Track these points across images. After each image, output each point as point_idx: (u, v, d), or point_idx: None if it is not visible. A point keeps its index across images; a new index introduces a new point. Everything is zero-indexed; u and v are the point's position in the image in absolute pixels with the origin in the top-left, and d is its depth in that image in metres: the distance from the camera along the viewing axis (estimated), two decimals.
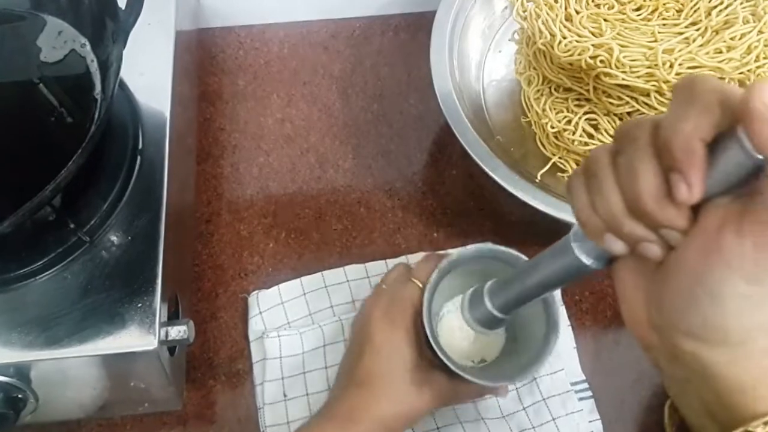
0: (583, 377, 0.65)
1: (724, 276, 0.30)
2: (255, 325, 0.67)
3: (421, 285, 0.54)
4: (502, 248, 0.54)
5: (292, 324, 0.67)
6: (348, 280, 0.68)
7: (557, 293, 0.55)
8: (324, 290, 0.68)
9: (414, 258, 0.70)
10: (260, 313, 0.67)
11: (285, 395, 0.63)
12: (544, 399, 0.63)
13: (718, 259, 0.30)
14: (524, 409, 0.63)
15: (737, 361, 0.31)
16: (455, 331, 0.55)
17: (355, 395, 0.52)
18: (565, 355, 0.65)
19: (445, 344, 0.53)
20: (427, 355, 0.53)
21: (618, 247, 0.34)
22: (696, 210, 0.31)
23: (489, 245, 0.55)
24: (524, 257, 0.52)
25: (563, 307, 0.67)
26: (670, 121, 0.30)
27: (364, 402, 0.52)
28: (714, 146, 0.29)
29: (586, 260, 0.38)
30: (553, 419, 0.62)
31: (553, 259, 0.42)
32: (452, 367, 0.51)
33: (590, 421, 0.63)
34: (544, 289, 0.45)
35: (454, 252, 0.54)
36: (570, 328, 0.67)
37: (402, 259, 0.70)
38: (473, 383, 0.52)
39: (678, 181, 0.29)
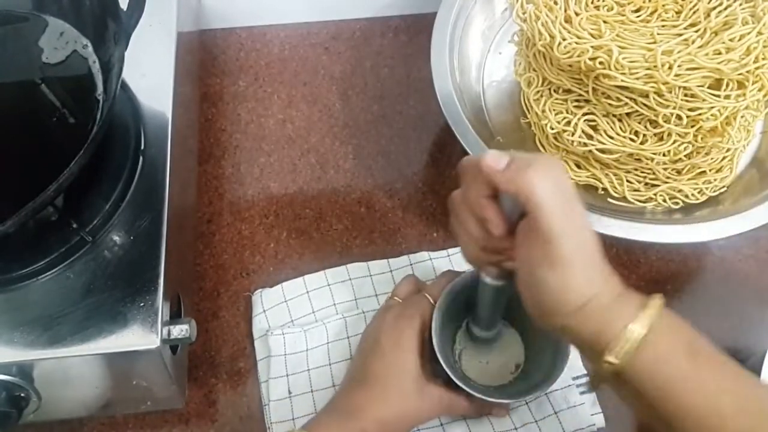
0: (585, 371, 0.65)
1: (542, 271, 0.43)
2: (259, 323, 0.67)
3: (432, 300, 0.58)
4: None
5: (295, 322, 0.67)
6: (350, 278, 0.69)
7: None
8: (327, 288, 0.68)
9: (414, 258, 0.70)
10: (264, 311, 0.67)
11: (290, 392, 0.63)
12: (546, 393, 0.63)
13: (528, 262, 0.44)
14: (527, 403, 0.63)
15: (581, 320, 0.43)
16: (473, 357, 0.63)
17: (357, 392, 0.55)
18: None
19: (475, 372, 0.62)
20: (431, 369, 0.57)
21: (489, 272, 0.51)
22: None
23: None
24: None
25: None
26: (463, 194, 0.47)
27: (364, 400, 0.54)
28: (500, 196, 0.45)
29: (490, 281, 0.51)
30: (555, 413, 0.62)
31: (480, 286, 0.54)
32: (451, 375, 0.55)
33: (592, 414, 0.63)
34: (488, 309, 0.56)
35: (469, 272, 0.58)
36: None
37: (403, 258, 0.70)
38: (471, 396, 0.57)
39: (487, 225, 0.46)
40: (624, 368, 0.42)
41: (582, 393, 0.64)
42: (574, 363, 0.66)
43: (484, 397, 0.57)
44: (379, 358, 0.56)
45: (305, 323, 0.66)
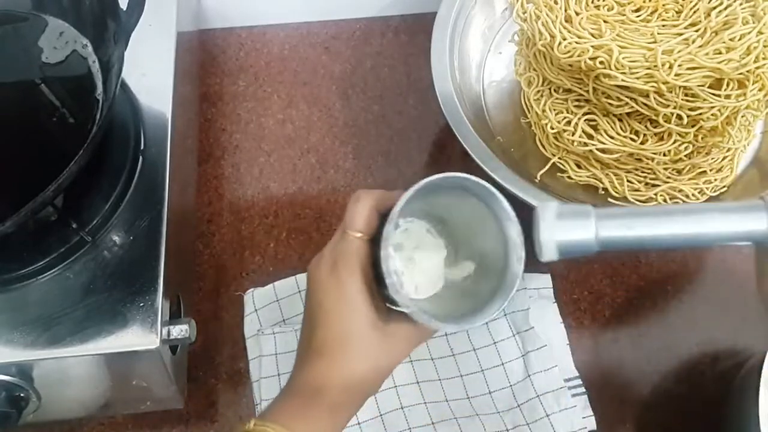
0: (576, 374, 0.65)
1: None
2: (251, 323, 0.67)
3: (359, 234, 0.48)
4: (471, 178, 0.44)
5: (287, 321, 0.67)
6: None
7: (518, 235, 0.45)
8: None
9: None
10: (256, 310, 0.67)
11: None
12: (538, 396, 0.63)
13: None
14: (519, 405, 0.63)
15: None
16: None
17: (316, 366, 0.48)
18: (558, 352, 0.66)
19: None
20: (383, 306, 0.48)
21: None
22: None
23: (455, 174, 0.45)
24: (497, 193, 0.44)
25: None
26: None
27: (326, 370, 0.47)
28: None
29: None
30: (547, 415, 0.62)
31: (729, 216, 0.39)
32: (409, 311, 0.45)
33: (583, 417, 0.63)
34: (671, 245, 0.41)
35: (409, 190, 0.44)
36: (562, 325, 0.68)
37: None
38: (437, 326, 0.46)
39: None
40: None
41: (574, 396, 0.64)
42: (566, 366, 0.66)
43: (450, 326, 0.49)
44: (328, 322, 0.48)
45: (297, 323, 0.66)
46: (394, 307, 0.47)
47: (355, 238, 0.48)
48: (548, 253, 0.41)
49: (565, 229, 0.40)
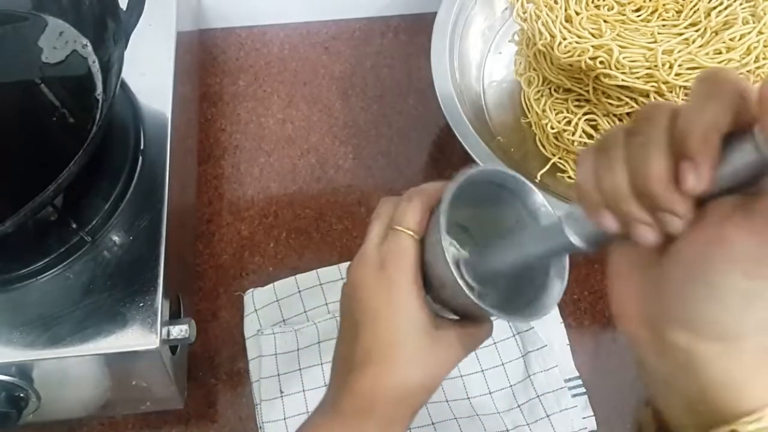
0: (577, 374, 0.65)
1: (725, 269, 0.29)
2: (250, 323, 0.67)
3: (412, 233, 0.44)
4: (510, 173, 0.44)
5: (287, 321, 0.67)
6: (343, 278, 0.69)
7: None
8: (319, 288, 0.68)
9: None
10: (255, 310, 0.67)
11: (281, 392, 0.63)
12: (538, 396, 0.63)
13: (719, 252, 0.29)
14: (519, 406, 0.63)
15: (729, 356, 0.31)
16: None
17: (363, 378, 0.43)
18: (558, 352, 0.66)
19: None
20: (433, 308, 0.45)
21: (612, 224, 0.33)
22: (698, 204, 0.30)
23: (494, 168, 0.44)
24: (534, 189, 0.44)
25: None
26: (691, 111, 0.30)
27: (376, 381, 0.43)
28: (728, 141, 0.29)
29: (576, 241, 0.37)
30: (548, 416, 0.62)
31: (539, 239, 0.41)
32: (482, 305, 0.42)
33: (584, 418, 0.63)
34: (520, 269, 0.43)
35: (452, 184, 0.43)
36: (563, 325, 0.67)
37: None
38: (503, 318, 0.43)
39: (688, 169, 0.29)
40: None
41: (574, 396, 0.64)
42: (566, 366, 0.66)
43: (521, 319, 0.47)
44: (375, 328, 0.43)
45: (297, 323, 0.66)
46: (441, 313, 0.44)
47: (407, 235, 0.44)
48: (581, 246, 0.40)
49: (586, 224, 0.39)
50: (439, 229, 0.42)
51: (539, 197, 0.44)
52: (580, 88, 0.63)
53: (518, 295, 0.46)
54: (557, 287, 0.43)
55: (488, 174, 0.44)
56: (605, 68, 0.58)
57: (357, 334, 0.44)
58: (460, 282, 0.41)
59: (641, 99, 0.60)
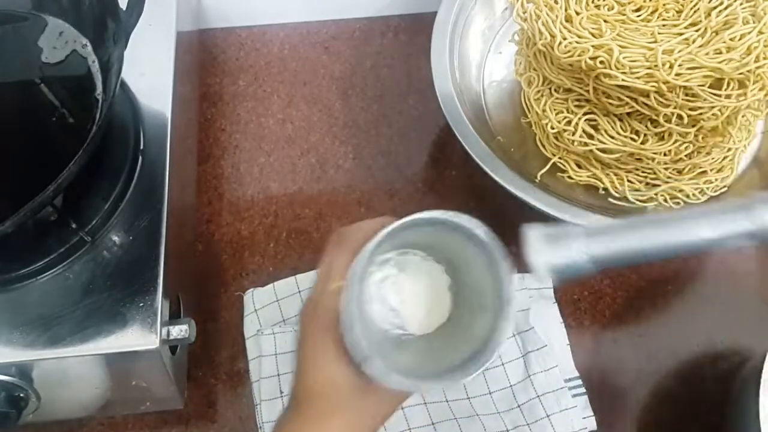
0: (577, 374, 0.65)
1: None
2: (250, 323, 0.67)
3: (342, 284, 0.43)
4: (447, 214, 0.41)
5: (287, 321, 0.67)
6: None
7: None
8: None
9: None
10: (255, 310, 0.67)
11: (281, 392, 0.63)
12: (538, 396, 0.63)
13: None
14: (519, 406, 0.63)
15: None
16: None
17: (295, 424, 0.45)
18: (558, 352, 0.66)
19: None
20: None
21: None
22: None
23: (426, 214, 0.41)
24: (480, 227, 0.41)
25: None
26: None
27: (300, 425, 0.45)
28: None
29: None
30: (548, 416, 0.62)
31: (719, 219, 0.37)
32: (384, 380, 0.40)
33: (584, 418, 0.63)
34: (665, 254, 0.39)
35: (385, 229, 0.40)
36: (563, 325, 0.67)
37: None
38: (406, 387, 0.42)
39: None
40: None
41: (574, 396, 0.64)
42: (566, 366, 0.66)
43: (433, 385, 0.44)
44: (305, 376, 0.45)
45: (296, 322, 0.66)
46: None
47: (337, 288, 0.44)
48: (544, 276, 0.39)
49: (555, 252, 0.38)
50: (351, 290, 0.40)
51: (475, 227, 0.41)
52: (581, 88, 0.63)
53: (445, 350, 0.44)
54: (503, 329, 0.40)
55: (427, 219, 0.41)
56: (605, 68, 0.58)
57: (298, 374, 0.46)
58: (365, 363, 0.40)
59: (641, 99, 0.60)
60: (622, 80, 0.57)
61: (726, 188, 0.68)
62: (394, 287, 0.45)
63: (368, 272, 0.43)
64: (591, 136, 0.64)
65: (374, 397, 0.44)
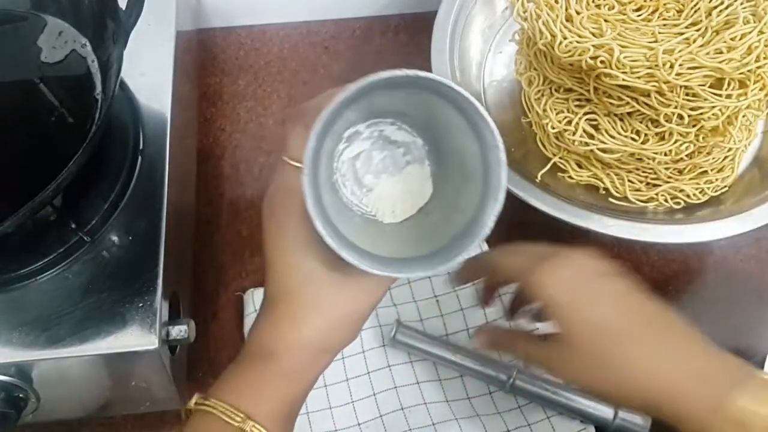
0: None
1: None
2: (250, 323, 0.67)
3: (299, 164, 0.37)
4: (429, 76, 0.36)
5: None
6: None
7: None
8: None
9: None
10: (255, 310, 0.67)
11: None
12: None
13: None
14: (519, 407, 0.63)
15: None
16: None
17: (268, 324, 0.41)
18: None
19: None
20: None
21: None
22: None
23: (406, 71, 0.36)
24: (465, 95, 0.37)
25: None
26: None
27: (274, 328, 0.41)
28: None
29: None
30: (548, 417, 0.62)
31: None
32: (352, 261, 0.36)
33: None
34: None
35: (339, 95, 0.37)
36: None
37: None
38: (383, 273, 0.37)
39: None
40: None
41: None
42: None
43: (399, 275, 0.38)
44: (274, 273, 0.41)
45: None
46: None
47: (293, 168, 0.39)
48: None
49: None
50: (309, 164, 0.35)
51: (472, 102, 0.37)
52: (581, 88, 0.63)
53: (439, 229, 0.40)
54: (490, 209, 0.37)
55: (396, 78, 0.36)
56: (606, 68, 0.58)
57: (266, 276, 0.42)
58: (322, 232, 0.35)
59: (642, 98, 0.60)
60: (623, 80, 0.57)
61: (726, 188, 0.68)
62: (368, 164, 0.41)
63: (338, 150, 0.39)
64: (591, 136, 0.64)
65: (353, 286, 0.40)
